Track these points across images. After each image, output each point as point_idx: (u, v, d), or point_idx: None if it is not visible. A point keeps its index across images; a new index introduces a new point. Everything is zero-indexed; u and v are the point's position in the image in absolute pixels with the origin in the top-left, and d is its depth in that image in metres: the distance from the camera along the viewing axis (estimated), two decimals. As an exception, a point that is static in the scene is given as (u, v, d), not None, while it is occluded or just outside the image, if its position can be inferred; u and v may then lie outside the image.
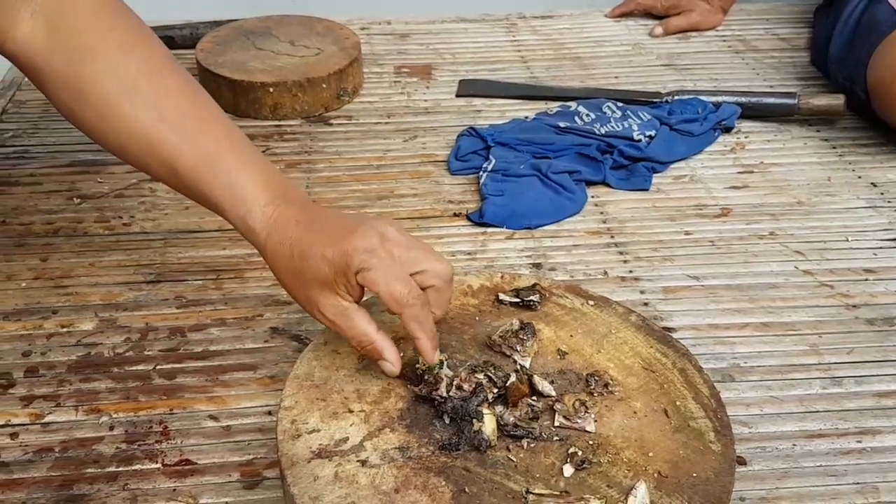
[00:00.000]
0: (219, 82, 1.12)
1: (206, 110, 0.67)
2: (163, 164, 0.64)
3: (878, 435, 0.67)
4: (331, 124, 1.11)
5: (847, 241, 0.90)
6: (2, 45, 0.65)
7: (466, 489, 0.54)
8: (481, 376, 0.61)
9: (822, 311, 0.80)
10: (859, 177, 1.00)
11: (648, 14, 1.35)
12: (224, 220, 0.65)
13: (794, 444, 0.66)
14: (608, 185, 0.98)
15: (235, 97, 1.11)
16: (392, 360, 0.60)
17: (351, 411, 0.60)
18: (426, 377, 0.61)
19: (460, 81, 1.20)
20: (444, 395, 0.59)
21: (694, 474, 0.55)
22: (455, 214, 0.94)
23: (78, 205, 0.94)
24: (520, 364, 0.64)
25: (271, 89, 1.10)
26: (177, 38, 1.27)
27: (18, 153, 1.03)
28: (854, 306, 0.80)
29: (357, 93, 1.18)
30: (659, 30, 1.30)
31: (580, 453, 0.57)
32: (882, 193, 0.97)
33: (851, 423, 0.68)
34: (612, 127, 1.04)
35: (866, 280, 0.84)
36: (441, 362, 0.61)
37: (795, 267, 0.86)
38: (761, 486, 0.63)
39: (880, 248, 0.89)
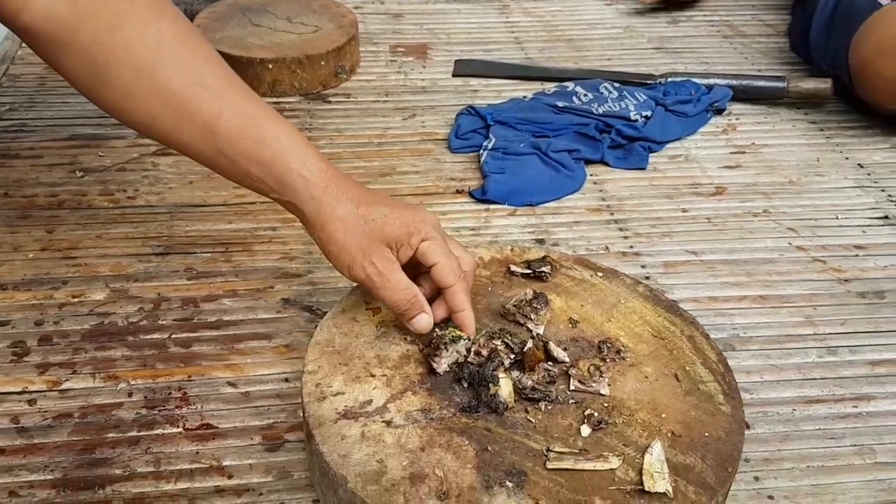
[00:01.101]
0: (217, 58, 1.12)
1: (237, 79, 0.66)
2: (202, 127, 0.62)
3: (872, 400, 0.70)
4: (329, 102, 1.12)
5: (837, 218, 0.93)
6: (16, 19, 0.61)
7: (489, 447, 0.56)
8: (498, 342, 0.63)
9: (816, 284, 0.83)
10: (847, 158, 1.04)
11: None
12: (265, 184, 0.63)
13: (794, 409, 0.69)
14: (606, 164, 1.01)
15: (234, 73, 1.11)
16: (430, 313, 0.63)
17: (373, 375, 0.61)
18: (437, 343, 0.62)
19: (456, 61, 1.22)
20: (444, 368, 0.62)
21: (706, 434, 0.58)
22: (457, 191, 0.96)
23: (80, 178, 0.94)
24: (534, 332, 0.66)
25: (270, 66, 1.11)
26: (171, 14, 1.27)
27: (16, 126, 1.03)
28: (846, 280, 0.84)
29: (354, 71, 1.18)
30: None
31: (596, 415, 0.59)
32: (869, 174, 1.01)
33: (847, 389, 0.71)
34: (610, 107, 1.06)
35: (857, 255, 0.87)
36: (464, 337, 0.63)
37: (789, 243, 0.89)
38: (764, 448, 0.66)
39: (869, 225, 0.92)
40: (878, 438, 0.67)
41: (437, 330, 0.63)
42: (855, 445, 0.66)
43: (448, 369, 0.62)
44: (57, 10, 0.61)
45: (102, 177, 0.95)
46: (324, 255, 0.64)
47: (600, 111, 1.06)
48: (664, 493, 0.53)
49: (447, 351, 0.62)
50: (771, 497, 0.62)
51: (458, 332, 0.63)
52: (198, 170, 0.96)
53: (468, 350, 0.63)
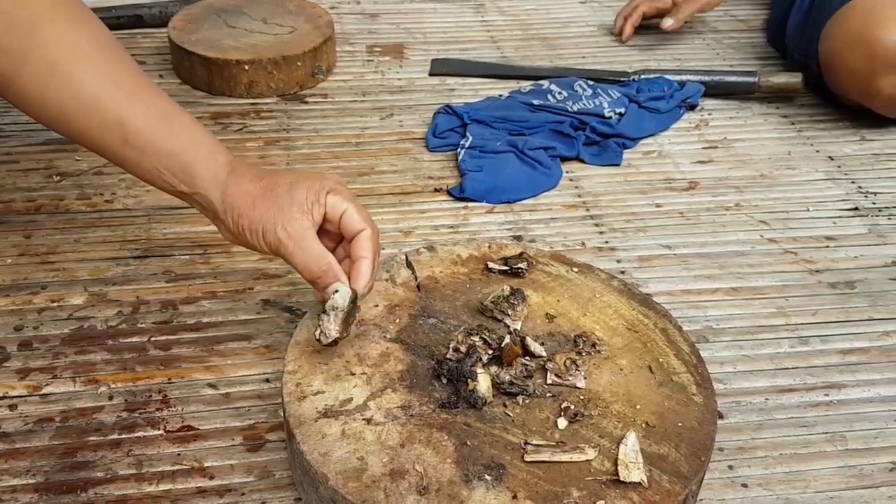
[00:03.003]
0: (193, 60, 1.12)
1: (154, 85, 0.68)
2: (109, 122, 0.64)
3: (843, 388, 0.72)
4: (307, 102, 1.12)
5: (808, 210, 0.95)
6: None
7: (468, 442, 0.57)
8: (476, 339, 0.64)
9: (788, 276, 0.85)
10: (817, 151, 1.05)
11: (657, 15, 1.27)
12: (171, 176, 0.65)
13: (767, 399, 0.71)
14: (582, 161, 1.02)
15: (210, 75, 1.12)
16: (345, 282, 0.62)
17: (353, 374, 0.62)
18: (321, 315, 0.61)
19: (433, 60, 1.22)
20: (334, 334, 0.60)
21: (679, 424, 0.59)
22: (436, 190, 0.96)
23: (58, 182, 0.94)
24: (512, 327, 0.67)
25: (246, 67, 1.11)
26: (146, 17, 1.27)
27: (-9, 132, 1.03)
28: (817, 271, 0.85)
29: (331, 71, 1.19)
30: (669, 22, 1.23)
31: (573, 407, 0.60)
32: (839, 166, 1.02)
33: (819, 378, 0.73)
34: (584, 104, 1.08)
35: (827, 247, 0.89)
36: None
37: (761, 235, 0.90)
38: (738, 437, 0.67)
39: (839, 217, 0.94)
40: (849, 426, 0.68)
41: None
42: (826, 433, 0.68)
43: (338, 333, 0.60)
44: None
45: (79, 181, 0.95)
46: (234, 240, 0.65)
47: (575, 109, 1.07)
48: (639, 482, 0.54)
49: (326, 317, 0.60)
50: (745, 485, 0.63)
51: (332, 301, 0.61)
52: (175, 172, 0.96)
53: (350, 300, 0.61)
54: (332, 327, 0.61)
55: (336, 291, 0.62)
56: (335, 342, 0.61)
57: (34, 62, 0.63)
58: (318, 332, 0.61)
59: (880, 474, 0.64)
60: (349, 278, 0.63)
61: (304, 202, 0.63)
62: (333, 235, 0.66)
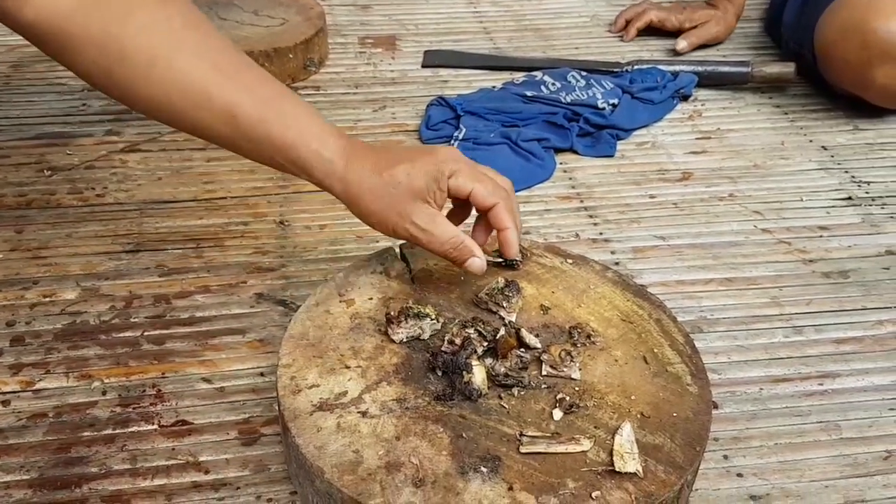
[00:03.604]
0: (184, 53, 1.11)
1: (251, 62, 0.66)
2: (221, 113, 0.62)
3: (837, 378, 0.72)
4: (299, 94, 1.12)
5: (801, 200, 0.95)
6: (18, 13, 0.60)
7: (463, 434, 0.57)
8: (471, 331, 0.64)
9: (782, 266, 0.85)
10: (810, 141, 1.06)
11: (660, 29, 1.27)
12: (289, 167, 0.64)
13: (761, 389, 0.71)
14: (575, 152, 1.02)
15: (202, 68, 1.11)
16: (481, 255, 0.65)
17: (348, 367, 0.62)
18: (401, 312, 0.63)
19: (425, 52, 1.22)
20: (400, 338, 0.63)
21: (674, 414, 0.59)
22: (429, 181, 0.96)
23: (49, 177, 0.94)
24: (507, 319, 0.66)
25: (238, 60, 1.10)
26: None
27: (-19, 126, 1.02)
28: (811, 261, 0.85)
29: (323, 63, 1.18)
30: (683, 44, 1.23)
31: (568, 399, 0.60)
32: (832, 156, 1.03)
33: (813, 367, 0.73)
34: (578, 95, 1.07)
35: (821, 237, 0.89)
36: (430, 317, 0.64)
37: (754, 226, 0.90)
38: (733, 427, 0.67)
39: (833, 206, 0.94)
40: (844, 415, 0.69)
41: (409, 302, 0.65)
42: (821, 422, 0.68)
43: (404, 340, 0.63)
44: (62, 2, 0.60)
45: (71, 175, 0.94)
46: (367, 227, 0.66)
47: (568, 100, 1.07)
48: (634, 472, 0.54)
49: (407, 323, 0.63)
50: (740, 475, 0.64)
51: (426, 310, 0.64)
52: (166, 166, 0.96)
53: (433, 332, 0.64)
54: (404, 336, 0.63)
55: (433, 321, 0.64)
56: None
57: (134, 53, 0.61)
58: (393, 327, 0.63)
59: (874, 463, 0.65)
60: (500, 248, 0.66)
61: (426, 191, 0.63)
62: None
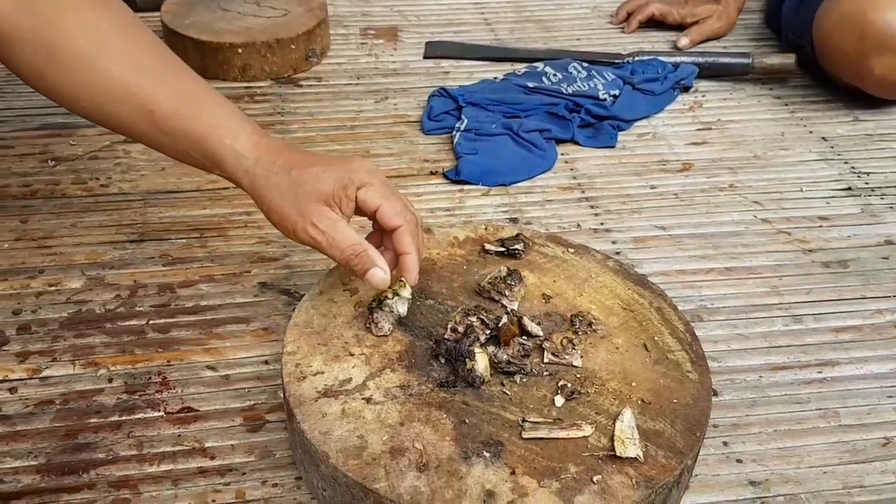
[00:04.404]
0: (186, 44, 1.11)
1: (179, 62, 0.68)
2: (139, 108, 0.64)
3: (836, 366, 0.73)
4: (301, 86, 1.12)
5: (801, 191, 0.95)
6: None
7: (466, 420, 0.58)
8: (474, 319, 0.64)
9: (781, 255, 0.85)
10: (810, 132, 1.06)
11: (661, 22, 1.27)
12: (203, 161, 0.65)
13: (761, 376, 0.72)
14: (576, 143, 1.02)
15: (203, 59, 1.11)
16: (384, 267, 0.62)
17: (352, 354, 0.62)
18: (371, 305, 0.64)
19: (427, 43, 1.22)
20: (386, 329, 0.63)
21: (674, 400, 0.60)
22: (431, 173, 0.97)
23: (53, 167, 0.94)
24: (509, 307, 0.67)
25: (240, 50, 1.11)
26: (138, 1, 1.26)
27: (-15, 117, 1.02)
28: (810, 251, 0.86)
29: (325, 54, 1.19)
30: (685, 41, 1.22)
31: (569, 385, 0.61)
32: (832, 147, 1.03)
33: (812, 356, 0.74)
34: (579, 86, 1.08)
35: (820, 227, 0.90)
36: (400, 293, 0.64)
37: (754, 216, 0.91)
38: (732, 414, 0.68)
39: (832, 197, 0.94)
40: (842, 402, 0.69)
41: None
42: (820, 409, 0.69)
43: (391, 329, 0.63)
44: (2, 4, 0.62)
45: (74, 165, 0.95)
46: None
47: (570, 91, 1.07)
48: (635, 457, 0.55)
49: (382, 311, 0.63)
50: (739, 460, 0.64)
51: (395, 288, 0.64)
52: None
53: (409, 302, 0.64)
54: (386, 325, 0.63)
55: (397, 295, 0.63)
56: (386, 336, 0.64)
57: (62, 54, 0.63)
58: (369, 324, 0.64)
59: (873, 449, 0.65)
60: (401, 270, 0.64)
61: (332, 197, 0.62)
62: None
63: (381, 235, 0.66)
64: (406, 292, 0.64)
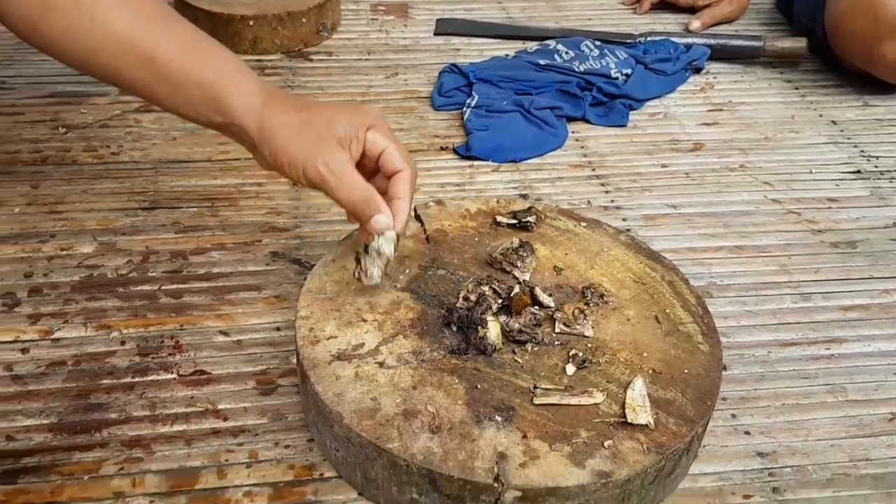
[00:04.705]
0: (197, 15, 1.11)
1: (177, 14, 0.67)
2: (140, 57, 0.63)
3: (844, 343, 0.73)
4: (311, 60, 1.12)
5: (811, 173, 0.95)
6: None
7: (478, 385, 0.58)
8: (486, 288, 0.65)
9: (791, 235, 0.86)
10: (820, 115, 1.06)
11: (673, 4, 1.27)
12: (205, 109, 0.64)
13: (770, 352, 0.72)
14: (588, 121, 1.02)
15: (214, 30, 1.10)
16: (388, 213, 0.62)
17: (364, 320, 0.63)
18: (359, 253, 0.63)
19: (438, 20, 1.22)
20: (377, 277, 0.62)
21: (685, 371, 0.60)
22: (442, 148, 0.97)
23: (64, 134, 0.94)
24: (521, 278, 0.67)
25: (251, 23, 1.10)
26: (149, -27, 1.25)
27: (-4, 84, 1.02)
28: (819, 231, 0.86)
29: (335, 29, 1.18)
30: (696, 24, 1.21)
31: (581, 354, 0.61)
32: (842, 131, 1.03)
33: (820, 333, 0.74)
34: (591, 65, 1.08)
35: (830, 208, 0.90)
36: (384, 238, 0.62)
37: (764, 196, 0.91)
38: (741, 388, 0.68)
39: (842, 179, 0.95)
40: (850, 378, 0.70)
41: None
42: (827, 384, 0.69)
43: (381, 275, 0.62)
44: None
45: (85, 133, 0.95)
46: (271, 170, 0.65)
47: (582, 69, 1.07)
48: (646, 424, 0.55)
49: (368, 256, 0.62)
50: (747, 432, 0.65)
51: (369, 240, 0.62)
52: (181, 126, 0.96)
53: (395, 245, 0.62)
54: (375, 270, 0.62)
55: (381, 235, 0.62)
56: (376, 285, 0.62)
57: (57, 5, 0.63)
58: (358, 272, 0.62)
59: (879, 424, 0.66)
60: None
61: (344, 137, 0.62)
62: (367, 169, 0.65)
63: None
64: (390, 232, 0.63)
